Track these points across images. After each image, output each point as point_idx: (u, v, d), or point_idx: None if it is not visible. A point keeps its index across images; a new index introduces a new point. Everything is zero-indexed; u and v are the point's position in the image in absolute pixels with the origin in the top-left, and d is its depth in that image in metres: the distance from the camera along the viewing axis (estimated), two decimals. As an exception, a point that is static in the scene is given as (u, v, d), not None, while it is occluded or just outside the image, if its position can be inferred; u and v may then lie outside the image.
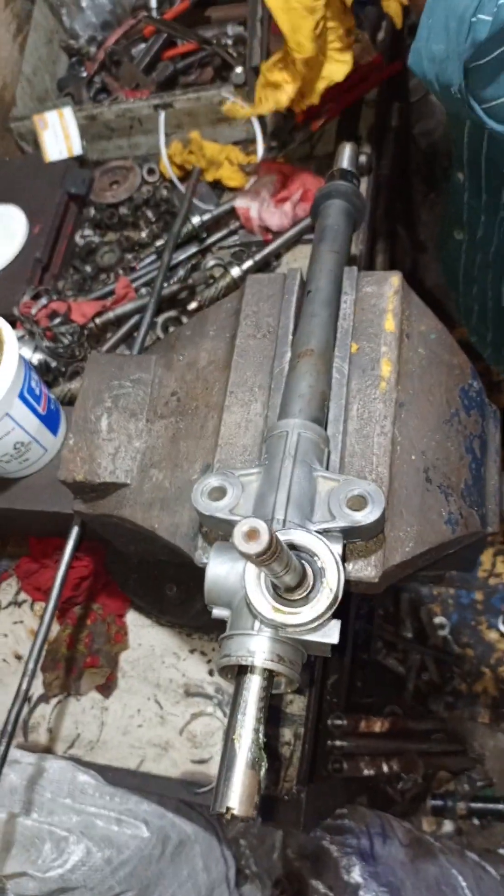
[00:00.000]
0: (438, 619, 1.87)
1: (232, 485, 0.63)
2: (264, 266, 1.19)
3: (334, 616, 0.54)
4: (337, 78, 0.99)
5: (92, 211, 1.37)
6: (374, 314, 0.75)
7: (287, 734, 0.88)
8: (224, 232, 1.26)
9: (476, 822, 1.67)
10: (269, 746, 0.87)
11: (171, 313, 1.20)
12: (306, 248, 1.17)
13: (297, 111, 1.10)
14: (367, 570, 0.61)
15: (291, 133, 1.34)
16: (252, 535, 0.38)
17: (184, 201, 1.23)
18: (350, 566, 0.61)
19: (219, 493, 0.63)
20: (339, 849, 1.14)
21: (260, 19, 1.27)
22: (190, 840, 0.95)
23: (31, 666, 0.80)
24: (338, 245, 0.82)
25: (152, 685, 0.95)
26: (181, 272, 1.23)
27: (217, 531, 0.65)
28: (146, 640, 0.98)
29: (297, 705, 0.89)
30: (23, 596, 1.06)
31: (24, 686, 0.78)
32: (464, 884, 1.25)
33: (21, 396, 0.85)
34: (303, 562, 0.54)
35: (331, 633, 0.54)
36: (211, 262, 1.24)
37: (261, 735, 0.52)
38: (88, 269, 1.31)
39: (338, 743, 1.09)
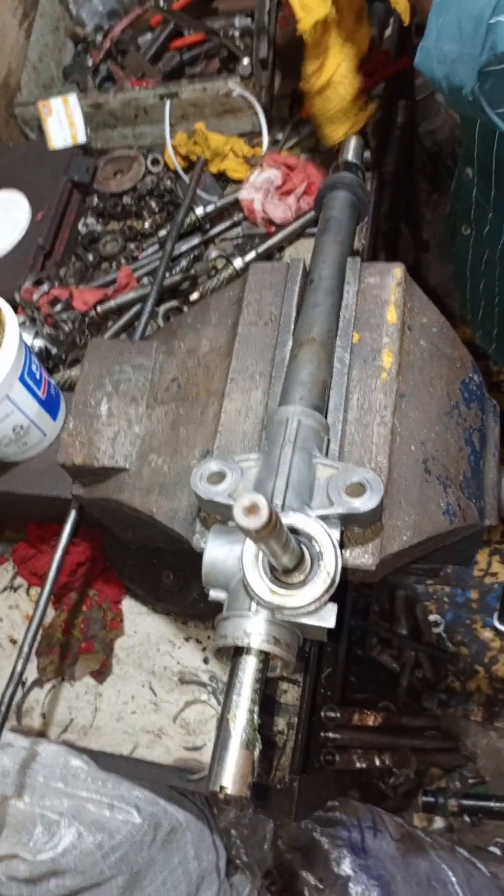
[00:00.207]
0: (433, 617, 1.88)
1: (231, 470, 0.63)
2: (267, 258, 1.19)
3: (331, 600, 0.55)
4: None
5: (95, 200, 1.36)
6: (377, 305, 0.75)
7: (281, 723, 0.88)
8: (227, 224, 1.26)
9: (467, 819, 1.67)
10: (263, 734, 0.87)
11: (173, 303, 1.20)
12: (309, 242, 1.17)
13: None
14: (364, 557, 0.62)
15: (297, 126, 1.34)
16: (252, 509, 0.38)
17: (188, 191, 1.23)
18: (348, 553, 0.62)
19: (218, 477, 0.63)
20: (330, 841, 1.14)
21: (268, 11, 1.27)
22: (181, 827, 0.95)
23: (25, 650, 0.80)
24: (341, 236, 0.82)
25: (147, 672, 0.95)
26: (183, 262, 1.23)
27: (215, 516, 0.65)
28: (142, 627, 0.98)
29: (290, 695, 0.89)
30: (19, 581, 1.06)
31: (18, 669, 0.78)
32: (454, 879, 1.26)
33: (21, 379, 0.85)
34: (301, 545, 0.54)
35: (327, 617, 0.54)
36: (213, 254, 1.24)
37: (256, 716, 0.52)
38: (91, 257, 1.31)
39: (331, 735, 1.09)
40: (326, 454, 0.66)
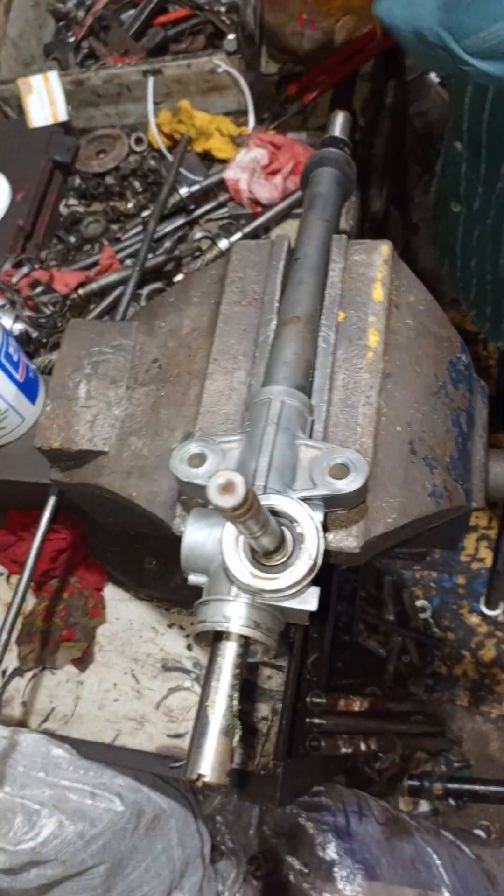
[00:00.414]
0: (420, 603, 1.88)
1: (212, 451, 0.61)
2: (253, 239, 1.17)
3: (313, 583, 0.53)
4: None
5: (77, 180, 1.33)
6: (363, 283, 0.73)
7: (265, 709, 0.87)
8: (213, 204, 1.23)
9: (452, 802, 1.69)
10: (245, 721, 0.86)
11: (157, 285, 1.17)
12: (296, 223, 1.15)
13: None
14: (348, 540, 0.60)
15: (283, 105, 1.31)
16: (228, 487, 0.37)
17: (171, 170, 1.20)
18: (331, 536, 0.60)
19: (198, 459, 0.61)
20: (315, 826, 1.14)
21: (254, -16, 1.24)
22: (165, 815, 0.94)
23: (4, 638, 0.78)
24: (327, 213, 0.80)
25: (129, 659, 0.94)
26: (167, 244, 1.21)
27: (196, 499, 0.63)
28: (124, 613, 0.97)
29: (275, 681, 0.88)
30: (0, 569, 1.04)
31: (-3, 657, 0.77)
32: (438, 862, 1.26)
33: (-2, 361, 0.82)
34: (282, 527, 0.53)
35: (309, 600, 0.53)
36: (198, 234, 1.22)
37: (235, 702, 0.50)
38: (73, 239, 1.28)
39: (316, 720, 1.08)
40: (310, 435, 0.64)
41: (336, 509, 0.60)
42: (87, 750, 0.89)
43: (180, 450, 0.62)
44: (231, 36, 1.25)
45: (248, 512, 0.40)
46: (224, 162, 1.25)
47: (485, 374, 2.02)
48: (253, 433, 0.62)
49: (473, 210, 1.14)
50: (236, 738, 0.49)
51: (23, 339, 1.13)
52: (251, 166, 1.19)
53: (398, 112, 1.61)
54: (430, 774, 1.67)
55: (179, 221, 1.22)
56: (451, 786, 1.65)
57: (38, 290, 1.14)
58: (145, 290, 1.16)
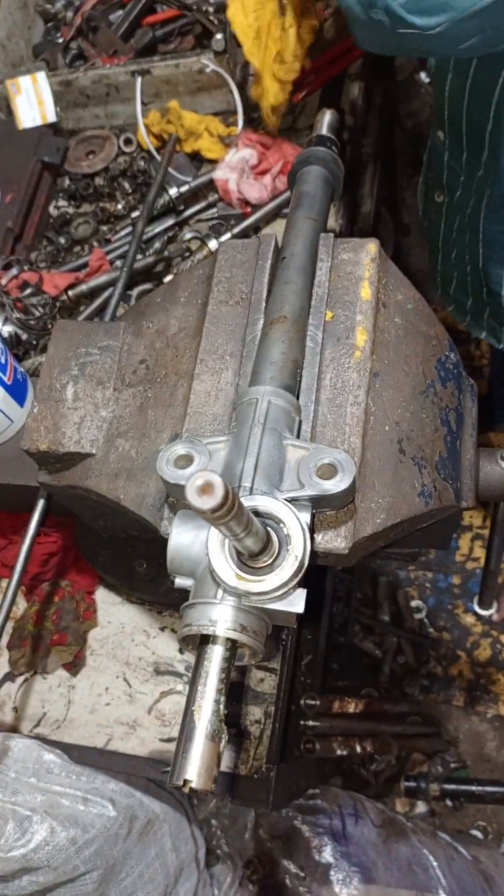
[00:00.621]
0: (415, 603, 1.88)
1: (199, 452, 0.61)
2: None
3: (301, 585, 0.53)
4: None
5: (67, 181, 1.33)
6: (350, 282, 0.73)
7: (257, 712, 0.86)
8: (202, 204, 1.23)
9: (449, 803, 1.68)
10: (238, 724, 0.86)
11: (147, 286, 1.17)
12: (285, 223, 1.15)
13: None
14: (336, 541, 0.60)
15: (273, 105, 1.30)
16: (206, 488, 0.36)
17: (159, 170, 1.20)
18: (320, 537, 0.60)
19: (185, 460, 0.61)
20: (311, 829, 1.13)
21: (241, -16, 1.23)
22: (158, 819, 0.93)
23: (-7, 642, 0.77)
24: (315, 212, 0.80)
25: (121, 663, 0.93)
26: (157, 244, 1.20)
27: (183, 501, 0.62)
28: (116, 617, 0.96)
29: (267, 683, 0.88)
30: (-11, 573, 1.03)
31: (-15, 662, 0.76)
32: (435, 864, 1.26)
33: (-15, 364, 0.82)
34: (268, 529, 0.52)
35: (296, 602, 0.52)
36: (188, 235, 1.21)
37: (222, 707, 0.50)
38: (62, 240, 1.27)
39: (311, 723, 1.08)
40: (298, 435, 0.64)
41: (324, 510, 0.60)
42: (79, 755, 0.89)
43: (167, 451, 0.61)
44: (219, 36, 1.25)
45: (229, 514, 0.39)
46: (213, 162, 1.24)
47: (477, 373, 2.01)
48: (239, 434, 0.61)
49: (455, 199, 1.14)
50: (223, 743, 0.49)
51: (12, 342, 1.12)
52: (240, 166, 1.19)
53: (387, 112, 1.61)
54: (427, 775, 1.67)
55: (169, 222, 1.22)
56: (447, 786, 1.65)
57: (28, 291, 1.13)
58: (135, 292, 1.16)
